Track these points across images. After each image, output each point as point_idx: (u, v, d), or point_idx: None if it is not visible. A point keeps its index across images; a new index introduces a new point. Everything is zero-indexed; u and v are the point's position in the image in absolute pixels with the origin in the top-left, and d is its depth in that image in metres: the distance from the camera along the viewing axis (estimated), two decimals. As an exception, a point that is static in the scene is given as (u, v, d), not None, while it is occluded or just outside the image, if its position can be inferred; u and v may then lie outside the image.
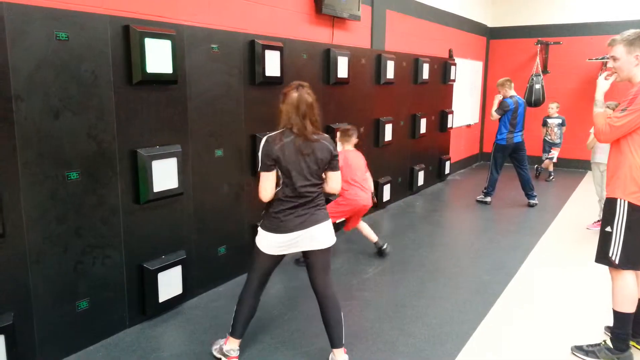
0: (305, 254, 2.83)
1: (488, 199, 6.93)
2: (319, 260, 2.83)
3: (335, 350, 2.87)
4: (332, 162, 2.77)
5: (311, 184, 2.71)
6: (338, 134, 4.75)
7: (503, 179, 7.49)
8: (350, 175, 4.51)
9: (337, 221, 4.75)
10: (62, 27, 2.80)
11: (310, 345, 3.19)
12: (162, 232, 3.52)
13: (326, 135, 2.81)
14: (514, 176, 6.99)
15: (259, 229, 2.82)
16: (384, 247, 4.80)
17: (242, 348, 3.11)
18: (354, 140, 4.67)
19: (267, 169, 2.66)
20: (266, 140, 2.69)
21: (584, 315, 3.62)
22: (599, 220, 5.44)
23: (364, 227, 4.88)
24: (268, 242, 2.77)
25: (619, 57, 2.83)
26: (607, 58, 3.01)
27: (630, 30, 2.84)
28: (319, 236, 2.77)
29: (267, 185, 2.67)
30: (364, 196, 4.59)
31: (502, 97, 6.71)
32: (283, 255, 2.87)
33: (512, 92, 6.69)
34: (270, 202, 2.74)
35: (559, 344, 3.22)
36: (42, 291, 2.85)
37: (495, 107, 6.72)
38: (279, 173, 2.68)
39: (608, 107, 5.25)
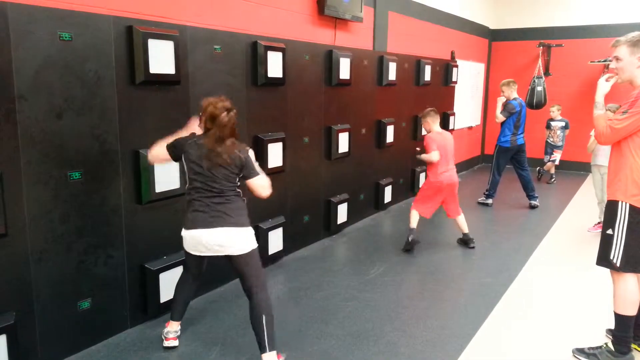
0: (227, 260, 2.89)
1: (490, 201, 6.93)
2: (235, 266, 2.87)
3: (262, 355, 2.80)
4: (244, 170, 2.84)
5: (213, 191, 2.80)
6: (422, 119, 5.01)
7: (504, 180, 7.48)
8: (441, 152, 4.78)
9: (424, 208, 4.99)
10: (66, 28, 2.81)
11: (312, 346, 3.19)
12: (163, 232, 3.52)
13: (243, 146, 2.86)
14: (516, 178, 6.98)
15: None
16: (471, 242, 5.09)
17: (245, 349, 3.12)
18: (437, 120, 4.94)
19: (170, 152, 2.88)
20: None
21: (585, 317, 3.62)
22: (599, 223, 5.43)
23: (460, 220, 5.11)
24: (184, 238, 2.92)
25: (622, 58, 2.84)
26: (610, 60, 3.01)
27: (635, 32, 2.84)
28: (225, 240, 2.80)
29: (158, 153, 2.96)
30: (446, 177, 4.86)
31: (505, 98, 6.69)
32: (202, 260, 3.05)
33: (515, 94, 6.68)
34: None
35: (560, 346, 3.22)
36: (44, 291, 2.86)
37: (499, 109, 6.71)
38: (185, 168, 2.85)
39: (609, 109, 5.26)
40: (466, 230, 5.12)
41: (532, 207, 6.79)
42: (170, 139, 2.89)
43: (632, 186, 2.80)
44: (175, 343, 3.14)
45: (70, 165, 2.91)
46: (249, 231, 2.89)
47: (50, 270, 2.87)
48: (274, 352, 2.80)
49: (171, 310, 3.19)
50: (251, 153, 2.87)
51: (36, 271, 2.80)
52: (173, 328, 3.16)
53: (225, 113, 2.74)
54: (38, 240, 2.80)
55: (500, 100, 6.75)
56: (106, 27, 3.02)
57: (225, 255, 2.86)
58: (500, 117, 6.63)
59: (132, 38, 3.15)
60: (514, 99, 6.63)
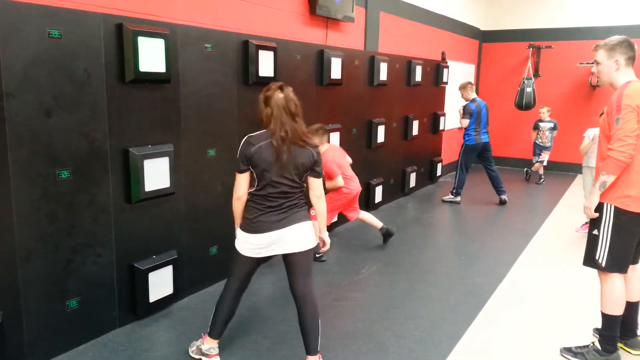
0: (285, 256, 2.76)
1: (458, 198, 7.07)
2: (299, 263, 2.75)
3: (309, 358, 2.80)
4: (314, 168, 2.71)
5: (289, 187, 2.65)
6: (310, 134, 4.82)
7: (481, 180, 7.54)
8: (342, 170, 4.68)
9: (334, 219, 4.88)
10: (55, 25, 2.78)
11: (302, 346, 3.18)
12: (153, 231, 3.50)
13: (315, 143, 2.78)
14: (504, 179, 7.05)
15: (237, 230, 2.79)
16: (391, 228, 5.03)
17: (236, 349, 3.11)
18: (326, 137, 4.76)
19: (241, 170, 2.66)
20: (245, 141, 2.66)
21: (573, 317, 3.65)
22: (586, 223, 5.48)
23: (366, 216, 5.07)
24: (245, 243, 2.73)
25: (601, 62, 2.91)
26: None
27: (614, 37, 2.91)
28: (296, 237, 2.70)
29: (241, 186, 2.69)
30: (356, 185, 4.84)
31: (464, 101, 6.90)
32: (263, 259, 2.82)
33: (474, 95, 6.94)
34: (247, 204, 2.72)
35: (548, 345, 3.24)
36: (32, 290, 2.83)
37: (461, 114, 6.92)
38: (254, 174, 2.65)
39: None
40: (380, 224, 5.07)
41: (502, 202, 7.00)
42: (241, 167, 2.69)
43: (617, 188, 2.83)
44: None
45: (59, 163, 2.88)
46: (312, 225, 2.81)
47: (38, 269, 2.84)
48: (317, 355, 2.82)
49: (211, 326, 2.94)
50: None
51: (24, 270, 2.78)
52: (213, 345, 2.94)
53: (279, 91, 2.62)
54: (26, 239, 2.77)
55: (460, 108, 6.96)
56: (96, 25, 3.00)
57: (288, 254, 2.74)
58: (464, 122, 6.88)
59: (122, 36, 3.13)
60: (472, 100, 6.85)
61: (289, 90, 2.68)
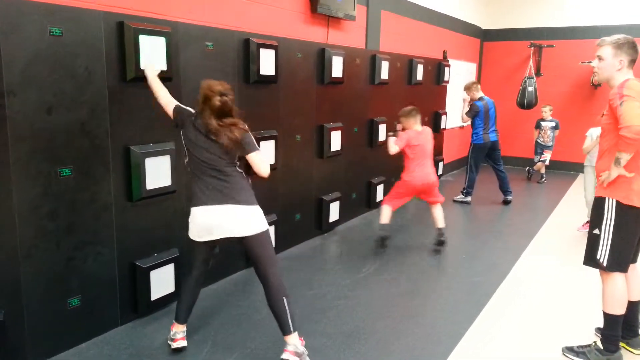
0: (241, 244, 2.88)
1: (468, 198, 7.03)
2: (248, 249, 2.88)
3: (285, 337, 2.85)
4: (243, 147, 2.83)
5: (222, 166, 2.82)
6: (401, 119, 4.92)
7: (493, 180, 7.53)
8: (410, 149, 4.75)
9: (395, 204, 4.97)
10: (56, 23, 2.78)
11: (304, 344, 3.18)
12: (154, 229, 3.50)
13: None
14: (492, 176, 7.05)
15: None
16: (444, 238, 4.96)
17: (236, 346, 3.11)
18: (419, 117, 4.88)
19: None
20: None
21: (575, 316, 3.65)
22: (587, 222, 5.46)
23: (438, 212, 5.01)
24: (191, 222, 2.89)
25: (605, 58, 2.88)
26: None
27: (620, 35, 2.88)
28: (231, 219, 2.80)
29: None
30: (420, 176, 4.80)
31: (470, 99, 6.85)
32: (210, 247, 2.97)
33: (481, 94, 6.87)
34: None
35: (550, 344, 3.24)
36: (33, 288, 2.83)
37: (465, 109, 6.86)
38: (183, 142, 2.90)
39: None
40: (441, 225, 5.01)
41: (506, 202, 6.98)
42: (178, 103, 2.98)
43: (620, 183, 2.81)
44: (184, 343, 3.05)
45: (60, 161, 2.88)
46: (258, 210, 2.89)
47: (39, 267, 2.84)
48: (296, 333, 2.85)
49: (176, 311, 3.08)
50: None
51: (25, 268, 2.78)
52: (180, 329, 3.06)
53: (218, 97, 2.75)
54: (27, 237, 2.77)
55: (465, 101, 6.94)
56: (97, 23, 2.99)
57: (238, 240, 2.84)
58: (465, 118, 6.84)
59: (123, 34, 3.12)
60: (479, 99, 6.80)
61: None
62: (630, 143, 2.68)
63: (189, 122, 2.85)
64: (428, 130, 4.94)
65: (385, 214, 4.97)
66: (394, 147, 4.71)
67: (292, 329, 2.83)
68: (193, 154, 2.83)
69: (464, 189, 7.08)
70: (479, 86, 6.89)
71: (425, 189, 4.87)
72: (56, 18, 2.78)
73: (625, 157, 2.74)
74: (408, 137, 4.75)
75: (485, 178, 7.84)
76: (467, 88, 6.91)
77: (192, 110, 2.91)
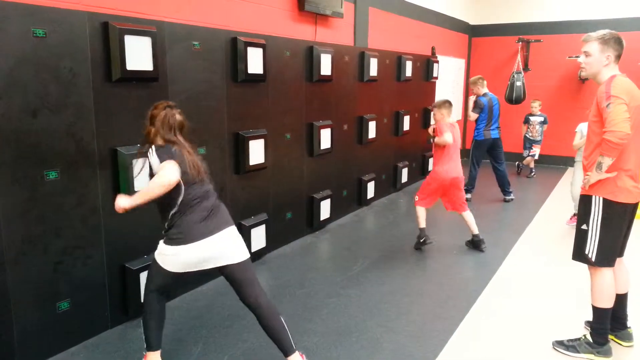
0: (224, 271, 2.65)
1: (468, 195, 6.99)
2: (238, 273, 2.65)
3: (288, 358, 2.68)
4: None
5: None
6: (435, 109, 4.82)
7: (484, 175, 7.57)
8: (448, 146, 4.66)
9: (427, 202, 4.86)
10: (39, 24, 2.74)
11: (295, 343, 3.17)
12: (143, 231, 3.47)
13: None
14: (492, 172, 7.07)
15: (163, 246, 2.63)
16: (482, 245, 4.86)
17: (227, 347, 3.10)
18: (450, 111, 4.79)
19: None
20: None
21: (565, 310, 3.68)
22: (575, 215, 5.49)
23: (469, 218, 4.89)
24: (180, 257, 2.57)
25: (592, 54, 2.88)
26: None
27: (606, 30, 2.89)
28: (234, 245, 2.63)
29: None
30: (452, 170, 4.70)
31: (475, 95, 6.82)
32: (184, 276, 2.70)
33: (485, 90, 6.81)
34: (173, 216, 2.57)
35: (540, 338, 3.26)
36: (22, 292, 2.80)
37: (471, 107, 6.84)
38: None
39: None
40: (476, 231, 4.89)
41: (506, 201, 6.94)
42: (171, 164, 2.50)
43: (605, 180, 2.83)
44: None
45: (46, 164, 2.85)
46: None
47: (27, 271, 2.81)
48: (297, 351, 2.71)
49: (147, 341, 2.75)
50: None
51: (13, 272, 2.75)
52: (156, 357, 2.79)
53: (173, 111, 2.61)
54: (14, 241, 2.74)
55: (472, 99, 6.89)
56: (81, 24, 2.96)
57: (224, 266, 2.63)
58: (473, 115, 6.80)
59: (108, 34, 3.09)
60: (484, 95, 6.78)
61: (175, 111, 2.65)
62: (614, 147, 2.70)
63: (178, 157, 2.52)
64: (457, 125, 4.88)
65: (422, 217, 4.86)
66: (449, 137, 4.58)
67: (294, 346, 2.68)
68: (189, 184, 2.54)
69: (465, 186, 7.04)
70: (485, 82, 6.81)
71: (454, 184, 4.74)
72: (39, 19, 2.74)
73: (607, 162, 2.75)
74: (447, 126, 4.65)
75: (489, 175, 7.86)
76: (473, 83, 6.85)
77: (170, 148, 2.56)
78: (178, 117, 2.62)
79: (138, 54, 3.22)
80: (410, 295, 3.92)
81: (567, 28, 9.42)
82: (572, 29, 9.28)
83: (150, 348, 2.76)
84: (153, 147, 2.55)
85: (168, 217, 2.58)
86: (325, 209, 5.50)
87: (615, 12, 8.98)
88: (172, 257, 2.59)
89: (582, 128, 5.29)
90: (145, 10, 3.72)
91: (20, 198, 2.75)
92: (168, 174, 2.42)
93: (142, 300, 3.42)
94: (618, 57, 2.87)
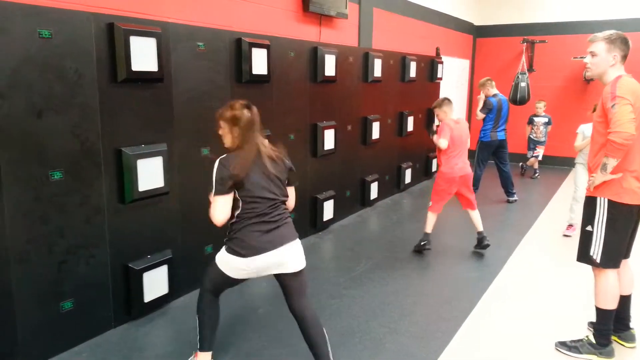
0: (278, 276, 2.66)
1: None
2: (294, 283, 2.66)
3: None
4: (290, 176, 2.72)
5: (276, 202, 2.60)
6: (435, 110, 4.82)
7: (488, 176, 7.55)
8: (451, 143, 4.62)
9: (440, 206, 4.80)
10: (45, 25, 2.76)
11: (299, 343, 3.18)
12: (147, 231, 3.49)
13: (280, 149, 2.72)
14: (497, 173, 7.06)
15: (223, 251, 2.62)
16: (486, 242, 4.80)
17: (230, 347, 3.11)
18: (451, 107, 4.76)
19: (225, 192, 2.49)
20: (220, 163, 2.53)
21: (567, 311, 3.67)
22: (571, 225, 5.45)
23: (475, 216, 4.86)
24: (234, 266, 2.58)
25: (598, 54, 2.87)
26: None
27: (612, 30, 2.88)
28: (290, 257, 2.60)
29: (224, 209, 2.51)
30: (458, 168, 4.66)
31: (484, 96, 6.82)
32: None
33: (495, 91, 6.81)
34: (232, 225, 2.57)
35: (543, 339, 3.26)
36: (25, 292, 2.82)
37: (480, 106, 6.83)
38: (237, 195, 2.52)
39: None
40: (480, 228, 4.85)
41: (510, 202, 6.93)
42: (217, 189, 2.50)
43: (610, 181, 2.83)
44: None
45: (51, 164, 2.87)
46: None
47: (31, 270, 2.83)
48: None
49: (201, 340, 2.78)
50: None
51: (17, 272, 2.76)
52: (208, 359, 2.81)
53: (246, 110, 2.58)
54: (19, 241, 2.76)
55: (481, 99, 6.89)
56: (87, 25, 2.98)
57: (286, 273, 2.64)
58: (480, 115, 6.79)
59: (114, 35, 3.11)
60: (493, 95, 6.79)
61: (254, 111, 2.66)
62: (619, 148, 2.69)
63: (240, 164, 2.50)
64: (464, 121, 4.84)
65: (430, 222, 4.81)
66: (444, 143, 4.57)
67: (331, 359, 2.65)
68: (255, 196, 2.52)
69: None
70: (494, 83, 6.84)
71: (464, 181, 4.70)
72: (45, 20, 2.76)
73: (612, 163, 2.75)
74: (450, 127, 4.63)
75: (493, 176, 7.85)
76: (482, 85, 6.88)
77: (226, 164, 2.52)
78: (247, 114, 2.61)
79: (143, 55, 3.24)
80: (413, 296, 3.92)
81: (571, 29, 9.39)
82: (577, 30, 9.26)
83: (202, 348, 2.78)
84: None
85: (228, 224, 2.59)
86: (328, 210, 5.51)
87: (620, 12, 8.95)
88: (232, 265, 2.59)
89: (584, 129, 5.25)
90: (150, 11, 3.73)
91: (25, 198, 2.76)
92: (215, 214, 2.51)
93: (145, 300, 3.44)
94: (624, 57, 2.86)
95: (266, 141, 2.66)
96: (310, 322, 2.67)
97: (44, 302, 2.92)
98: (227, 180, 2.47)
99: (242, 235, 2.53)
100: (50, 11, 2.81)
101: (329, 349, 2.68)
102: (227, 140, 2.62)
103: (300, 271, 2.66)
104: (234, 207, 2.54)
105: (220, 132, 2.63)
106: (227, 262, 2.60)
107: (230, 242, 2.58)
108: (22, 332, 2.83)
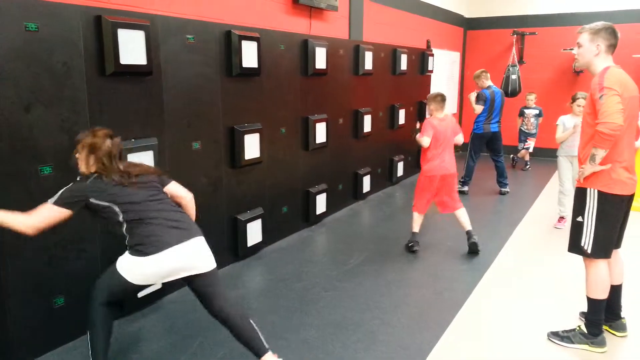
0: (188, 280, 2.56)
1: (465, 188, 7.01)
2: (205, 285, 2.56)
3: (264, 357, 2.57)
4: (162, 180, 2.69)
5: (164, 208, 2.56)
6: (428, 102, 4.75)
7: (481, 168, 7.58)
8: (434, 140, 4.55)
9: (423, 205, 4.71)
10: (32, 18, 2.72)
11: (292, 336, 3.19)
12: (139, 226, 3.46)
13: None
14: (491, 166, 7.09)
15: (127, 257, 2.52)
16: (475, 241, 4.60)
17: (224, 341, 3.10)
18: (443, 105, 4.67)
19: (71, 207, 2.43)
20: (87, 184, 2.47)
21: (559, 302, 3.70)
22: (562, 217, 5.48)
23: (462, 215, 4.70)
24: (139, 271, 2.47)
25: (583, 45, 2.93)
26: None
27: (599, 22, 2.93)
28: (202, 255, 2.55)
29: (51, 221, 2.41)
30: (441, 167, 4.55)
31: (478, 89, 6.83)
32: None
33: (489, 83, 6.80)
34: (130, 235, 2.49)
35: (536, 329, 3.28)
36: (17, 287, 2.79)
37: (474, 101, 6.85)
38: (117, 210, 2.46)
39: (581, 97, 5.28)
40: (468, 227, 4.67)
41: (502, 194, 6.97)
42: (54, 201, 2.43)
43: (600, 172, 2.84)
44: None
45: (41, 159, 2.84)
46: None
47: (22, 266, 2.80)
48: (270, 351, 2.61)
49: (95, 356, 2.55)
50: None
51: (8, 267, 2.74)
52: None
53: (108, 140, 2.53)
54: (9, 237, 2.72)
55: (472, 95, 6.90)
56: (74, 17, 2.94)
57: (191, 276, 2.54)
58: (478, 109, 6.77)
59: (101, 28, 3.07)
60: (487, 87, 6.79)
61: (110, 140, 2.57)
62: (607, 139, 2.71)
63: (97, 190, 2.45)
64: (450, 118, 4.72)
65: (416, 222, 4.75)
66: (426, 141, 4.50)
67: (266, 345, 2.60)
68: (132, 201, 2.48)
69: (461, 178, 7.03)
70: (488, 75, 6.83)
71: (445, 181, 4.58)
72: (32, 13, 2.72)
73: (600, 154, 2.77)
74: (432, 125, 4.55)
75: (486, 167, 7.88)
76: (477, 77, 6.86)
77: (83, 183, 2.48)
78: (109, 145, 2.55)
79: (131, 48, 3.20)
80: (406, 288, 3.93)
81: (561, 21, 9.43)
82: (567, 22, 9.29)
83: None
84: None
85: (122, 232, 2.53)
86: (321, 203, 5.51)
87: (609, 4, 8.99)
88: (138, 271, 2.49)
89: (564, 120, 5.28)
90: (139, 4, 3.69)
91: (15, 193, 2.73)
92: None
93: (138, 296, 3.42)
94: (610, 47, 2.88)
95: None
96: (237, 319, 2.57)
97: (36, 298, 2.90)
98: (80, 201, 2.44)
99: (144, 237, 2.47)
100: (37, 4, 2.76)
101: (261, 336, 2.59)
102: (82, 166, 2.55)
103: (213, 270, 2.59)
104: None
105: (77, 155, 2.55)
106: (132, 267, 2.50)
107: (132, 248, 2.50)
108: (15, 329, 2.80)
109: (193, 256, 2.52)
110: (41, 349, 2.96)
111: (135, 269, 2.48)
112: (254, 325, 2.61)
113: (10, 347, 2.79)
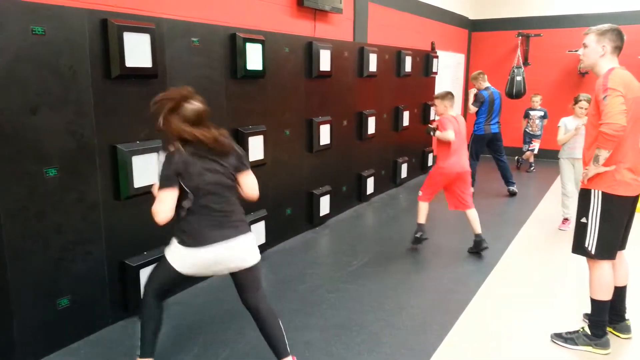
0: (232, 274, 2.60)
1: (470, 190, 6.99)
2: (248, 278, 2.60)
3: None
4: (240, 163, 2.57)
5: (225, 197, 2.50)
6: (436, 101, 4.71)
7: (485, 170, 7.58)
8: (456, 140, 4.53)
9: (429, 196, 4.75)
10: (38, 22, 2.75)
11: (295, 338, 3.20)
12: (143, 228, 3.48)
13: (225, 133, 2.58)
14: (494, 168, 7.08)
15: (174, 242, 2.53)
16: (483, 245, 4.60)
17: (228, 342, 3.12)
18: (453, 102, 4.68)
19: (169, 185, 2.39)
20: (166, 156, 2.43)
21: (563, 303, 3.69)
22: (566, 219, 5.47)
23: (472, 216, 4.67)
24: (182, 258, 2.50)
25: (588, 45, 2.93)
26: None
27: (606, 24, 2.93)
28: (242, 251, 2.54)
29: (167, 206, 2.40)
30: (457, 165, 4.55)
31: (476, 90, 6.84)
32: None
33: (487, 84, 6.83)
34: (179, 220, 2.48)
35: (539, 331, 3.28)
36: (22, 289, 2.82)
37: (471, 100, 6.85)
38: (183, 189, 2.43)
39: (584, 99, 5.28)
40: (478, 231, 4.62)
41: (511, 193, 6.95)
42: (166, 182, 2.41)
43: (604, 173, 2.84)
44: None
45: (46, 161, 2.86)
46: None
47: (27, 267, 2.83)
48: (290, 356, 2.66)
49: (142, 346, 2.63)
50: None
51: (13, 269, 2.76)
52: None
53: (186, 103, 2.41)
54: (15, 238, 2.75)
55: (472, 92, 6.92)
56: (80, 21, 2.97)
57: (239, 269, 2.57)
58: (472, 108, 6.81)
59: (107, 31, 3.10)
60: (485, 88, 6.80)
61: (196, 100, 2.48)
62: (610, 140, 2.71)
63: (182, 164, 2.39)
64: (460, 117, 4.74)
65: (422, 213, 4.75)
66: (452, 134, 4.44)
67: (288, 350, 2.64)
68: (199, 188, 2.42)
69: None
70: (486, 76, 6.86)
71: (460, 178, 4.59)
72: (38, 17, 2.75)
73: (604, 155, 2.77)
74: (451, 121, 4.53)
75: (489, 169, 7.87)
76: (474, 78, 6.89)
77: (172, 157, 2.42)
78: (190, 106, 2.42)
79: (137, 51, 3.23)
80: (410, 290, 3.94)
81: (567, 22, 9.41)
82: (572, 23, 9.27)
83: (144, 354, 2.63)
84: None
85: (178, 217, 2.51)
86: (324, 205, 5.52)
87: (615, 5, 8.96)
88: (184, 261, 2.51)
89: (566, 122, 5.26)
90: (144, 7, 3.72)
91: (21, 195, 2.76)
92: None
93: (142, 297, 3.43)
94: (616, 48, 2.88)
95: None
96: (268, 313, 2.63)
97: (41, 299, 2.92)
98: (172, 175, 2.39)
99: (190, 228, 2.46)
100: (43, 8, 2.79)
101: (286, 341, 2.64)
102: None
103: (258, 264, 2.62)
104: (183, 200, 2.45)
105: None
106: (177, 254, 2.51)
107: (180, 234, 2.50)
108: (19, 330, 2.82)
109: (236, 254, 2.52)
110: (45, 350, 2.98)
111: (177, 256, 2.51)
112: (282, 326, 2.65)
113: (14, 348, 2.82)
